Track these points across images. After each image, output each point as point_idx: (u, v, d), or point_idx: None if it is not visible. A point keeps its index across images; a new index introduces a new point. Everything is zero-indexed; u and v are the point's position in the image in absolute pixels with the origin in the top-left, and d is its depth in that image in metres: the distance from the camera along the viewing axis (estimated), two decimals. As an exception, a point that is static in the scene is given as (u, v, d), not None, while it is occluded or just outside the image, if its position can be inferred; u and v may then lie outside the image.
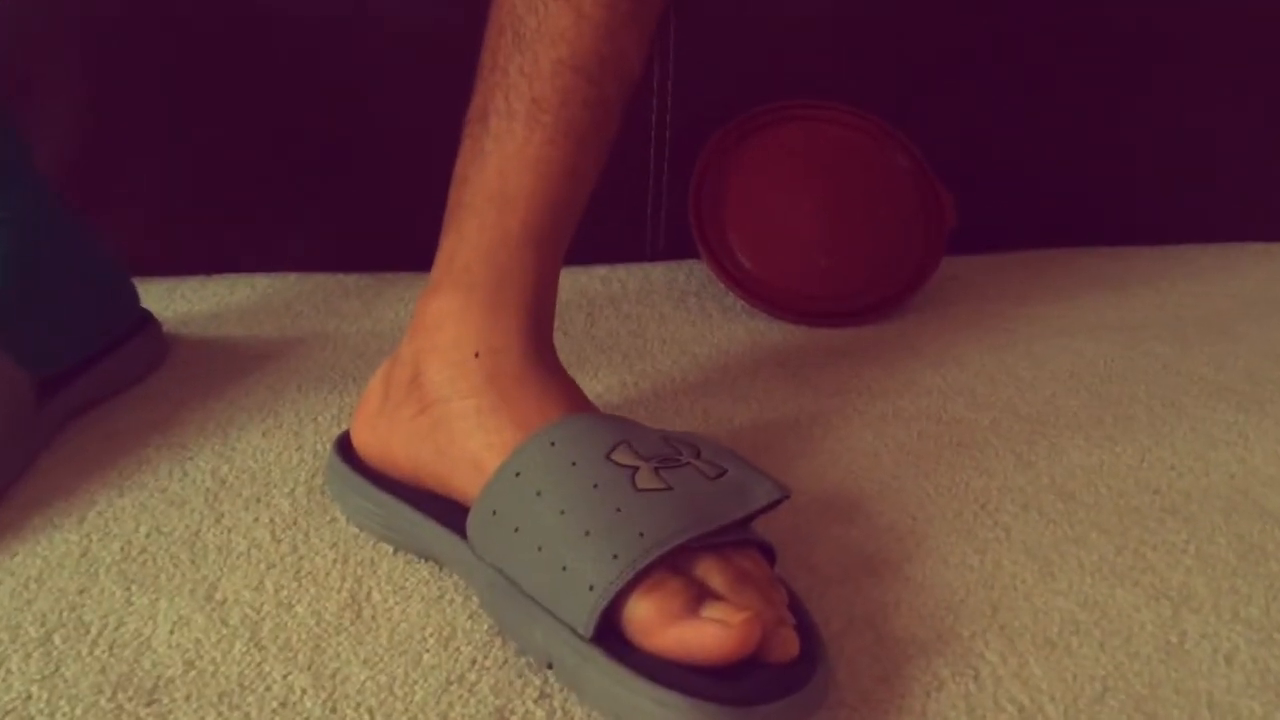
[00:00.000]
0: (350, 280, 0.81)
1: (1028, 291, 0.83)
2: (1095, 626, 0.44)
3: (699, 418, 0.62)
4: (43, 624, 0.42)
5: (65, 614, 0.43)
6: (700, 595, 0.37)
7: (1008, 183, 0.91)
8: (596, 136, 0.48)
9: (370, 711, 0.38)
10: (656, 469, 0.41)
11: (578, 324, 0.75)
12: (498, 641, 0.42)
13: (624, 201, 0.85)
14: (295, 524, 0.49)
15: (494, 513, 0.41)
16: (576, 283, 0.82)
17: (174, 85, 0.77)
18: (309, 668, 0.40)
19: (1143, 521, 0.52)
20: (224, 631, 0.42)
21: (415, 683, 0.39)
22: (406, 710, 0.38)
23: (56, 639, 0.41)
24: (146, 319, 0.66)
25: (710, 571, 0.39)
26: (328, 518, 0.50)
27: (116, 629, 0.42)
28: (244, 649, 0.41)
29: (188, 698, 0.38)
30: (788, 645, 0.37)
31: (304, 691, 0.39)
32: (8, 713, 0.37)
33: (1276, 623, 0.44)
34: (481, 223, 0.47)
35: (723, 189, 0.79)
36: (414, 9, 0.78)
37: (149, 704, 0.38)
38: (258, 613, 0.43)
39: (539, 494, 0.40)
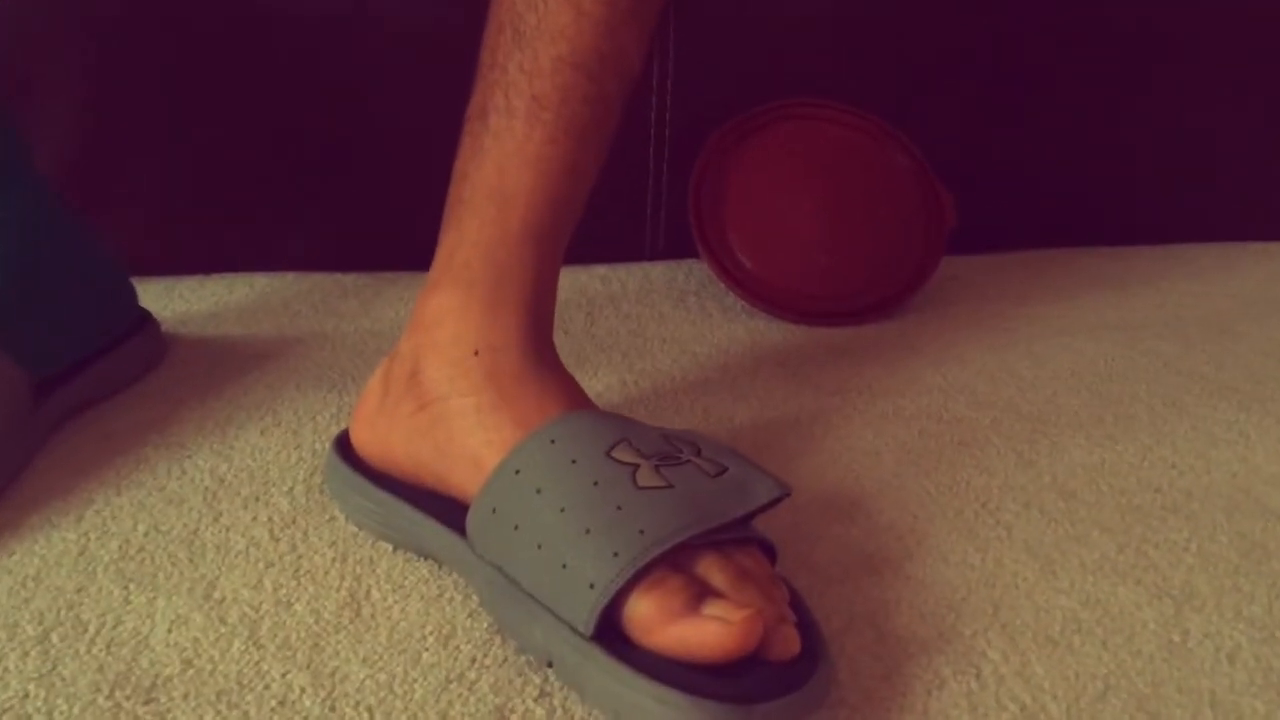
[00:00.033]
0: (349, 280, 0.81)
1: (1028, 291, 0.83)
2: (1097, 625, 0.43)
3: (699, 417, 0.61)
4: (40, 622, 0.42)
5: (63, 612, 0.42)
6: (701, 593, 0.37)
7: (1008, 183, 0.91)
8: (597, 133, 0.47)
9: (369, 710, 0.38)
10: (657, 467, 0.41)
11: (577, 323, 0.74)
12: (497, 640, 0.42)
13: (624, 201, 0.85)
14: (294, 522, 0.49)
15: (494, 511, 0.41)
16: (576, 282, 0.81)
17: (174, 85, 0.77)
18: (308, 666, 0.40)
19: (1144, 520, 0.52)
20: (222, 630, 0.42)
21: (414, 681, 0.39)
22: (406, 709, 0.38)
23: (54, 637, 0.41)
24: (145, 318, 0.66)
25: (711, 569, 0.38)
26: (326, 516, 0.50)
27: (114, 627, 0.42)
28: (242, 647, 0.41)
29: (186, 696, 0.38)
30: (789, 643, 0.37)
31: (303, 690, 0.39)
32: (5, 711, 0.37)
33: (1279, 621, 0.44)
34: (481, 220, 0.46)
35: (723, 188, 0.79)
36: (414, 9, 0.78)
37: (147, 702, 0.38)
38: (256, 611, 0.43)
39: (539, 492, 0.40)
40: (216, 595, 0.44)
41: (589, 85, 0.46)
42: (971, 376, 0.68)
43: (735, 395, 0.64)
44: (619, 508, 0.39)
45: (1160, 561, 0.48)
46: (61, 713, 0.37)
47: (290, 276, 0.81)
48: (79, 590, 0.44)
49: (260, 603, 0.43)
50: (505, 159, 0.46)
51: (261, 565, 0.46)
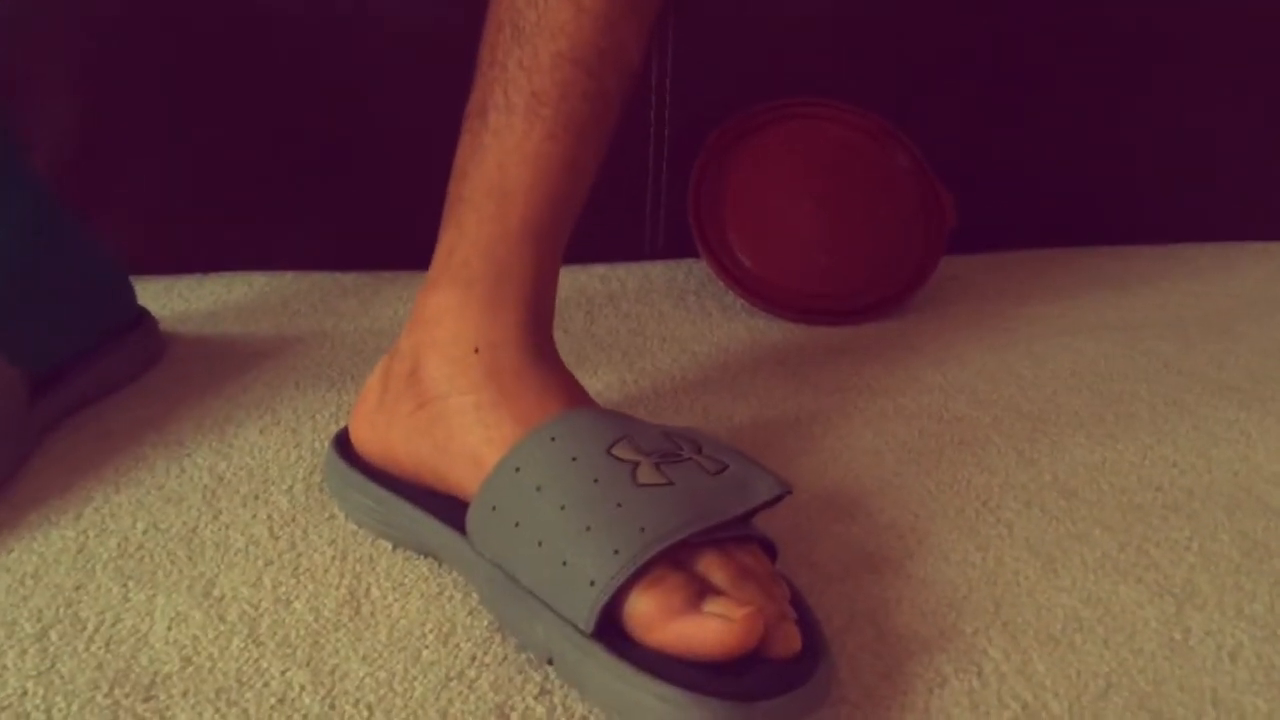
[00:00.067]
0: (348, 279, 0.81)
1: (1028, 291, 0.83)
2: (1099, 623, 0.43)
3: (699, 416, 0.61)
4: (39, 620, 0.42)
5: (62, 610, 0.42)
6: (702, 590, 0.37)
7: (1008, 183, 0.91)
8: (596, 129, 0.47)
9: (369, 708, 0.38)
10: (658, 464, 0.41)
11: (577, 322, 0.74)
12: (498, 637, 0.41)
13: (623, 200, 0.85)
14: (293, 521, 0.49)
15: (494, 508, 0.41)
16: (576, 281, 0.81)
17: (174, 85, 0.77)
18: (307, 664, 0.40)
19: (1145, 518, 0.51)
20: (222, 628, 0.42)
21: (414, 679, 0.39)
22: (405, 706, 0.38)
23: (53, 635, 0.41)
24: (142, 315, 0.66)
25: (712, 567, 0.38)
26: (326, 514, 0.50)
27: (113, 625, 0.41)
28: (242, 645, 0.41)
29: (185, 693, 0.38)
30: (790, 640, 0.36)
31: (302, 688, 0.38)
32: (4, 708, 0.37)
33: (1281, 619, 0.44)
34: (480, 217, 0.46)
35: (722, 187, 0.79)
36: (414, 9, 0.78)
37: (146, 700, 0.38)
38: (256, 609, 0.43)
39: (539, 489, 0.40)
40: (216, 593, 0.44)
41: (588, 81, 0.46)
42: (972, 376, 0.67)
43: (735, 394, 0.64)
44: (619, 505, 0.39)
45: (1162, 560, 0.48)
46: (60, 710, 0.37)
47: (289, 275, 0.81)
48: (78, 588, 0.44)
49: (259, 600, 0.43)
50: (505, 156, 0.46)
51: (261, 563, 0.46)
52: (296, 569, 0.45)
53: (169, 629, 0.41)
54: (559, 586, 0.38)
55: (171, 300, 0.76)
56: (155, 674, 0.39)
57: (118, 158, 0.78)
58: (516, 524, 0.40)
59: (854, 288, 0.78)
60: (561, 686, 0.39)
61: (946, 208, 0.80)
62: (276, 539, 0.48)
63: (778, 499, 0.42)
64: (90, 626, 0.41)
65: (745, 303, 0.77)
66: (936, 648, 0.42)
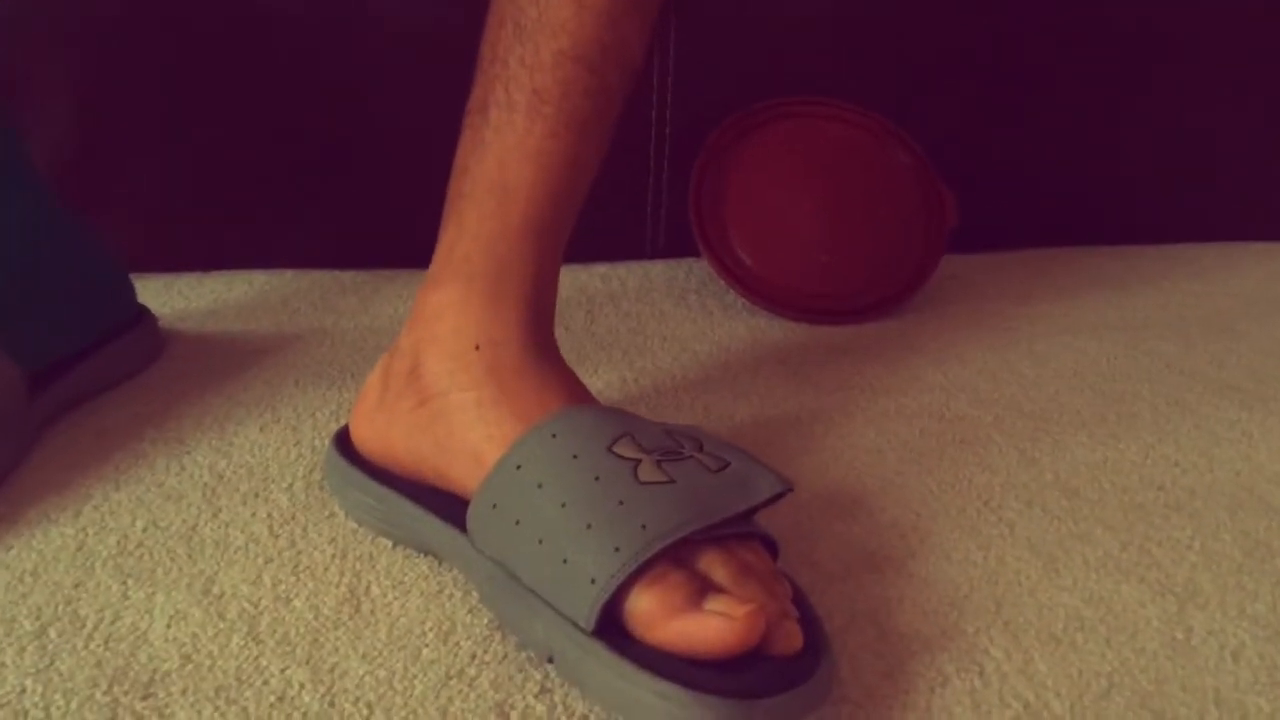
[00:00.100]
0: (347, 277, 0.81)
1: (1029, 290, 0.83)
2: (1100, 622, 0.43)
3: (700, 415, 0.61)
4: (38, 617, 0.42)
5: (61, 608, 0.42)
6: (703, 588, 0.37)
7: (1008, 182, 0.91)
8: (598, 126, 0.47)
9: (369, 706, 0.37)
10: (659, 462, 0.41)
11: (578, 321, 0.74)
12: (498, 636, 0.41)
13: (624, 199, 0.85)
14: (293, 519, 0.49)
15: (494, 506, 0.41)
16: (577, 280, 0.81)
17: (174, 85, 0.77)
18: (307, 662, 0.40)
19: (1147, 518, 0.51)
20: (221, 625, 0.41)
21: (414, 677, 0.39)
22: (405, 705, 0.38)
23: (52, 632, 0.41)
24: (142, 313, 0.66)
25: (713, 564, 0.38)
26: (326, 513, 0.49)
27: (113, 623, 0.41)
28: (241, 643, 0.40)
29: (184, 691, 0.38)
30: (791, 638, 0.36)
31: (302, 686, 0.38)
32: (2, 706, 0.37)
33: (1283, 618, 0.44)
34: (481, 214, 0.46)
35: (723, 186, 0.78)
36: (414, 9, 0.78)
37: (145, 697, 0.37)
38: (255, 607, 0.43)
39: (540, 486, 0.40)
40: (215, 591, 0.44)
41: (590, 78, 0.46)
42: (973, 375, 0.67)
43: (736, 393, 0.64)
44: (620, 503, 0.39)
45: (1163, 559, 0.48)
46: (59, 708, 0.37)
47: (289, 274, 0.81)
48: (77, 585, 0.44)
49: (259, 598, 0.43)
50: (506, 153, 0.46)
51: (260, 561, 0.46)
52: (296, 567, 0.45)
53: (168, 627, 0.41)
54: (560, 584, 0.38)
55: (171, 298, 0.76)
56: (154, 672, 0.39)
57: (118, 157, 0.78)
58: (517, 522, 0.40)
59: (855, 287, 0.78)
60: (562, 685, 0.39)
61: (948, 207, 0.80)
62: (276, 537, 0.47)
63: (779, 496, 0.42)
64: (89, 624, 0.41)
65: (746, 301, 0.77)
66: (938, 647, 0.41)
